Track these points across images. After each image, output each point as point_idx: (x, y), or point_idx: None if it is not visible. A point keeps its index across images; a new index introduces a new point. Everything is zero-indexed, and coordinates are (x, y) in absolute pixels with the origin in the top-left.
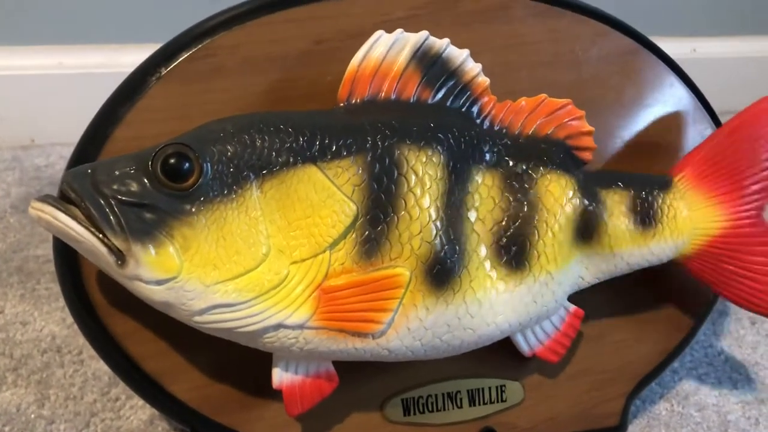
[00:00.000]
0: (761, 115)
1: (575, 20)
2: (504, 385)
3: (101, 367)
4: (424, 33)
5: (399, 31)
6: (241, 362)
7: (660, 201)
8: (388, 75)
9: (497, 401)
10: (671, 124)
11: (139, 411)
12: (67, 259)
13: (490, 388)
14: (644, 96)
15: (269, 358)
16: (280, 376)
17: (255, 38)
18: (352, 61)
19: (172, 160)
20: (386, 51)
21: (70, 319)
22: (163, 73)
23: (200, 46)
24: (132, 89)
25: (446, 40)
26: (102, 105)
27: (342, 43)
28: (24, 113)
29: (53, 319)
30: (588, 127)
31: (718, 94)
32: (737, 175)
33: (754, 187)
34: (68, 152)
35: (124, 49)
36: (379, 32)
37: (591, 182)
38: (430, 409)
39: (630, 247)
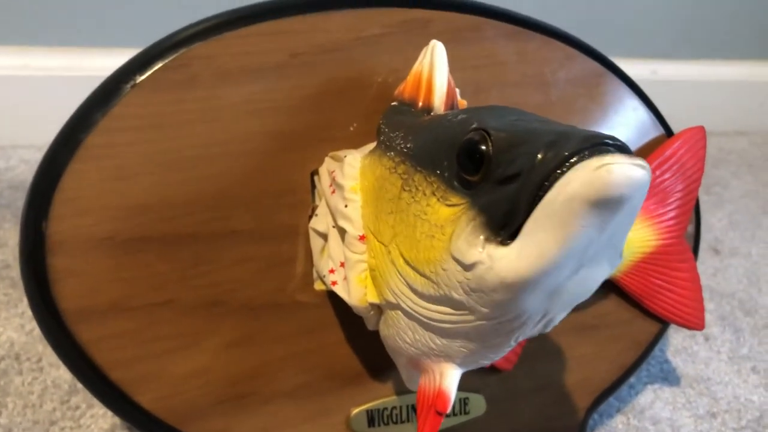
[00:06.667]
0: (684, 145)
1: (544, 43)
2: (467, 398)
3: (61, 374)
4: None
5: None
6: (208, 374)
7: None
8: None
9: (460, 413)
10: (633, 146)
11: (99, 420)
12: (33, 264)
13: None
14: (609, 119)
15: (236, 371)
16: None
17: (231, 50)
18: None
19: None
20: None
21: (29, 326)
22: (138, 81)
23: (176, 55)
24: (106, 96)
25: None
26: (75, 110)
27: (317, 57)
28: None
29: (12, 326)
30: None
31: (676, 116)
32: (667, 199)
33: (680, 210)
34: (30, 155)
35: (90, 51)
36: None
37: None
38: (395, 420)
39: None
